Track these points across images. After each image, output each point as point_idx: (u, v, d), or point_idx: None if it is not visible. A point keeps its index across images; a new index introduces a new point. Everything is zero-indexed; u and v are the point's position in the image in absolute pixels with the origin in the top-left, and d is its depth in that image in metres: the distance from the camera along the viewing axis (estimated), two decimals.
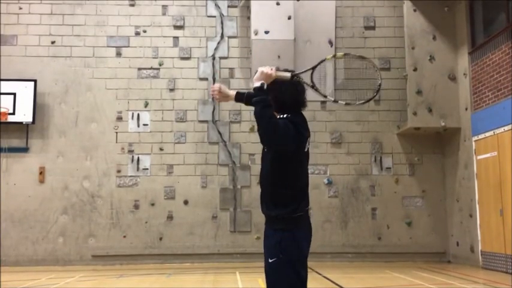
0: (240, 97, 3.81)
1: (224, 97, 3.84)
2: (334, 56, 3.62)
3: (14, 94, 12.00)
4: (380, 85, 3.52)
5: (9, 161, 12.16)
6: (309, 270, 3.47)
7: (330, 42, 12.71)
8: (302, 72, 3.49)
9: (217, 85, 3.82)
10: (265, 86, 3.29)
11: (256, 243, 11.59)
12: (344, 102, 3.64)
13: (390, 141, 12.70)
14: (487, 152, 10.61)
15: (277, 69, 3.43)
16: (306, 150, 3.46)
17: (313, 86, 3.54)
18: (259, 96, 3.25)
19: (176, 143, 12.51)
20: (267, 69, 3.34)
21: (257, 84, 3.30)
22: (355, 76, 4.05)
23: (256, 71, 3.38)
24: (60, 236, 12.03)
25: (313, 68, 3.56)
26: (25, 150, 12.20)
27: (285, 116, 3.40)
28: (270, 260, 3.36)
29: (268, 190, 3.44)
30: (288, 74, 3.40)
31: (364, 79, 3.75)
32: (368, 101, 3.57)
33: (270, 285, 3.41)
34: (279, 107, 3.43)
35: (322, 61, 3.54)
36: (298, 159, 3.40)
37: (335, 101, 3.64)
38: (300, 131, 3.36)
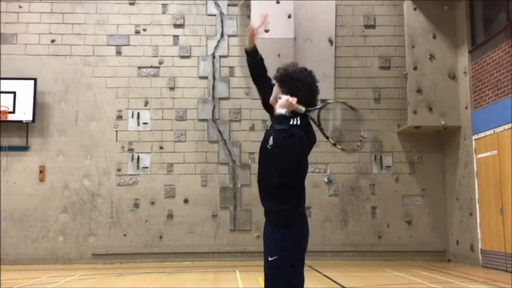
0: (254, 55, 3.81)
1: (251, 38, 3.80)
2: (337, 100, 3.76)
3: (14, 93, 12.00)
4: (363, 137, 3.75)
5: (9, 160, 12.16)
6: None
7: (330, 41, 12.71)
8: (315, 108, 3.51)
9: (256, 25, 3.80)
10: (287, 115, 3.32)
11: (256, 242, 11.60)
12: (340, 148, 3.83)
13: (390, 139, 12.70)
14: (487, 150, 10.61)
15: None
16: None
17: (319, 125, 3.60)
18: (283, 124, 3.27)
19: (176, 141, 12.51)
20: (291, 99, 3.35)
21: (281, 111, 3.31)
22: (346, 125, 4.16)
23: (280, 97, 3.38)
24: (60, 234, 12.04)
25: (321, 108, 3.58)
26: (25, 148, 12.20)
27: (296, 122, 3.40)
28: (270, 259, 3.35)
29: (271, 185, 3.43)
30: (303, 109, 3.43)
31: (351, 130, 3.89)
32: (353, 151, 3.69)
33: (269, 284, 3.40)
34: None
35: (328, 103, 3.61)
36: (305, 166, 3.50)
37: (334, 144, 3.78)
38: (310, 139, 3.46)
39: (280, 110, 3.31)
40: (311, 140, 3.48)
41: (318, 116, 3.55)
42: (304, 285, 3.51)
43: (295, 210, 3.38)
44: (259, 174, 3.57)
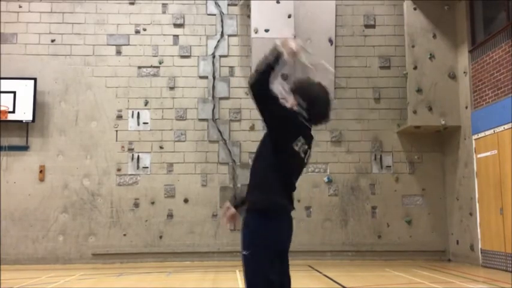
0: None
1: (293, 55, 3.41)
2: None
3: (14, 92, 12.00)
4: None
5: (9, 160, 12.16)
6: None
7: (330, 41, 12.71)
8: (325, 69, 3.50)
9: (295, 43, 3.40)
10: (281, 56, 3.23)
11: None
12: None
13: (390, 139, 12.70)
14: (487, 150, 10.61)
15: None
16: (294, 148, 3.39)
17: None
18: (268, 59, 3.22)
19: (176, 141, 12.51)
20: (297, 47, 3.28)
21: (277, 48, 3.25)
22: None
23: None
24: (60, 234, 12.04)
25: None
26: (25, 148, 12.20)
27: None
28: (244, 253, 3.30)
29: (251, 173, 3.45)
30: (308, 63, 3.37)
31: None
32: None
33: (245, 280, 3.34)
34: (316, 122, 3.53)
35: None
36: (283, 149, 3.36)
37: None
38: (293, 121, 3.37)
39: (276, 44, 3.22)
40: (291, 128, 3.38)
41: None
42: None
43: (269, 203, 3.32)
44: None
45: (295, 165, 3.48)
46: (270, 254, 3.29)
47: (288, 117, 3.36)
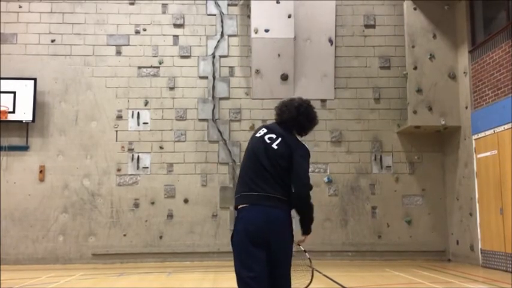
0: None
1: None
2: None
3: (14, 93, 12.00)
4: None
5: (9, 160, 12.16)
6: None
7: (330, 41, 12.71)
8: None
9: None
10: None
11: None
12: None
13: (390, 139, 12.70)
14: (487, 150, 10.61)
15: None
16: (256, 136, 3.89)
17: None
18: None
19: (176, 141, 12.51)
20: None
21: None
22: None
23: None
24: (60, 234, 12.04)
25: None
26: (25, 148, 12.20)
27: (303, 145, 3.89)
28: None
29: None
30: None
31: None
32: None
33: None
34: (299, 129, 3.96)
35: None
36: (247, 148, 3.93)
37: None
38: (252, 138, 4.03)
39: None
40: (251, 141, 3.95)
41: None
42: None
43: (235, 202, 3.82)
44: None
45: (259, 150, 3.77)
46: (237, 251, 3.92)
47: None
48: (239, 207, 3.72)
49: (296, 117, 3.86)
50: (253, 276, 3.51)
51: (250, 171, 3.71)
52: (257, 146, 3.77)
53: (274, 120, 4.02)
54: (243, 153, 13.48)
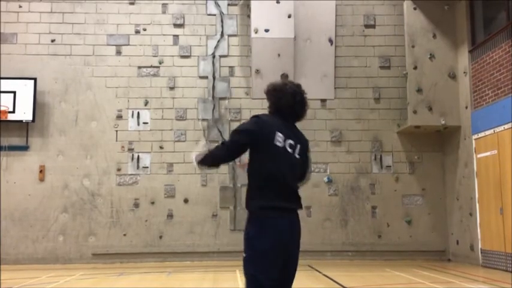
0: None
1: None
2: None
3: (14, 92, 12.00)
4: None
5: (9, 160, 12.16)
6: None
7: (330, 41, 12.71)
8: None
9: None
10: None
11: None
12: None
13: (390, 139, 12.70)
14: (487, 150, 10.61)
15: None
16: (278, 145, 3.52)
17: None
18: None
19: (176, 141, 12.50)
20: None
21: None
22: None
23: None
24: (60, 234, 12.03)
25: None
26: (25, 148, 12.20)
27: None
28: (243, 255, 3.51)
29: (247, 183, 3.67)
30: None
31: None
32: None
33: (244, 279, 3.54)
34: (274, 112, 3.70)
35: None
36: (265, 154, 3.51)
37: None
38: (262, 124, 3.56)
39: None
40: (263, 130, 3.56)
41: None
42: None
43: (258, 209, 3.47)
44: None
45: (284, 161, 3.54)
46: (260, 258, 3.40)
47: (250, 130, 3.57)
48: (269, 215, 3.47)
49: (293, 105, 3.67)
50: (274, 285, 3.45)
51: (279, 182, 3.52)
52: (283, 157, 3.54)
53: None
54: (242, 154, 13.49)
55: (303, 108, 3.73)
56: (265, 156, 3.50)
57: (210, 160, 3.61)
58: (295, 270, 3.60)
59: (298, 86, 3.76)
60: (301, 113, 3.74)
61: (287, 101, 3.66)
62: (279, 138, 3.52)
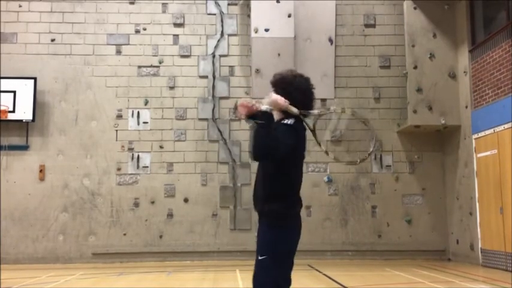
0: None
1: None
2: (343, 110, 3.84)
3: (14, 92, 12.00)
4: (370, 154, 3.87)
5: (9, 159, 12.16)
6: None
7: (330, 40, 12.71)
8: (310, 113, 3.57)
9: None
10: (270, 111, 3.35)
11: None
12: (333, 158, 3.95)
13: (390, 139, 12.70)
14: (487, 150, 10.61)
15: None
16: (303, 154, 3.61)
17: (313, 131, 3.70)
18: (263, 121, 3.26)
19: (176, 140, 12.51)
20: (281, 100, 3.43)
21: (264, 107, 3.34)
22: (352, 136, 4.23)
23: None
24: (60, 234, 12.04)
25: (321, 115, 3.67)
26: (25, 148, 12.20)
27: (289, 122, 3.45)
28: (259, 258, 3.42)
29: (262, 186, 3.51)
30: (296, 110, 3.47)
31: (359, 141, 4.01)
32: (352, 163, 3.82)
33: (256, 282, 3.45)
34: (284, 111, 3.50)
35: (331, 111, 3.77)
36: (296, 166, 3.53)
37: (326, 152, 3.91)
38: (299, 137, 3.48)
39: (263, 106, 3.34)
40: (300, 143, 3.49)
41: (314, 123, 3.65)
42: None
43: (284, 210, 3.45)
44: (256, 176, 3.65)
45: (301, 168, 3.65)
46: (282, 261, 3.44)
47: (294, 144, 3.42)
48: (296, 210, 3.55)
49: (303, 102, 3.53)
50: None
51: (298, 179, 3.57)
52: (301, 164, 3.60)
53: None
54: (243, 153, 13.54)
55: (311, 105, 3.59)
56: (294, 168, 3.52)
57: (261, 141, 3.23)
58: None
59: (307, 80, 3.60)
60: (311, 109, 3.61)
61: (298, 96, 3.51)
62: (303, 150, 3.59)
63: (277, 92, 3.51)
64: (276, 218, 3.44)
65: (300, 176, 3.56)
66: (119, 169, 12.34)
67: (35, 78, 12.20)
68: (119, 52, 12.71)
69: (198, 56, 12.82)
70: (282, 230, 3.44)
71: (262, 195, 3.51)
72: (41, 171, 12.19)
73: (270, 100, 3.40)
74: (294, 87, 3.52)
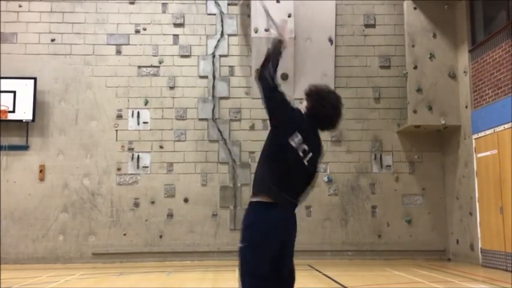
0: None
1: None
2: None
3: (14, 92, 12.00)
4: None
5: (9, 159, 12.16)
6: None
7: (330, 40, 12.70)
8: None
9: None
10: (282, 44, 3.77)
11: None
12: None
13: (390, 139, 12.70)
14: (487, 150, 10.61)
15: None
16: (291, 143, 3.46)
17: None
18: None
19: (176, 141, 12.51)
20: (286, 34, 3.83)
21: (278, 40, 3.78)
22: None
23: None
24: (60, 233, 12.04)
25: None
26: (25, 148, 12.20)
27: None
28: (239, 245, 3.43)
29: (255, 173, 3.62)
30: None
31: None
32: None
33: (239, 272, 3.45)
34: (310, 114, 3.63)
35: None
36: (280, 144, 3.48)
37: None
38: (290, 113, 3.57)
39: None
40: (290, 116, 3.57)
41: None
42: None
43: (263, 198, 3.41)
44: None
45: (294, 163, 3.48)
46: (255, 250, 3.35)
47: (287, 110, 3.56)
48: (268, 201, 3.42)
49: (329, 118, 3.63)
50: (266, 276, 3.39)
51: (287, 175, 3.48)
52: (293, 158, 3.49)
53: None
54: (243, 153, 13.52)
55: (337, 123, 3.70)
56: (279, 148, 3.48)
57: (265, 73, 3.71)
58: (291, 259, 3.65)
59: (339, 99, 3.68)
60: (334, 126, 3.72)
61: (328, 111, 3.62)
62: (296, 139, 3.48)
63: (309, 102, 3.64)
64: (250, 204, 3.49)
65: (287, 168, 3.45)
66: (119, 169, 12.34)
67: (35, 78, 12.20)
68: (119, 52, 12.71)
69: (198, 56, 12.82)
70: (254, 216, 3.43)
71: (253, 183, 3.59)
72: (41, 171, 12.20)
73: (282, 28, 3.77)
74: (327, 101, 3.61)
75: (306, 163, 3.51)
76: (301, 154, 3.48)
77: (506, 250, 9.82)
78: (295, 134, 3.47)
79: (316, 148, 3.60)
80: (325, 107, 3.58)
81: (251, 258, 3.36)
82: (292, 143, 3.45)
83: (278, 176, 3.43)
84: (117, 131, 12.48)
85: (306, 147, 3.50)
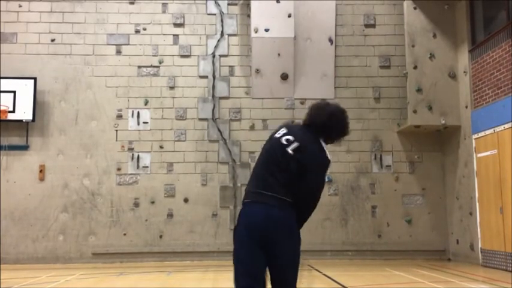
0: None
1: None
2: None
3: (14, 92, 12.00)
4: None
5: (9, 159, 12.16)
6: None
7: (330, 40, 12.70)
8: None
9: None
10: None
11: None
12: None
13: (390, 139, 12.70)
14: (487, 150, 10.61)
15: None
16: (275, 135, 3.63)
17: None
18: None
19: (176, 141, 12.51)
20: None
21: None
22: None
23: None
24: (60, 233, 12.04)
25: None
26: (25, 148, 12.20)
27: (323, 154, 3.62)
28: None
29: None
30: None
31: None
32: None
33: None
34: (325, 138, 3.67)
35: None
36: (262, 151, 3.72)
37: None
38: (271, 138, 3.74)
39: None
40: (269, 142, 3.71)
41: None
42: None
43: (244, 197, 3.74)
44: None
45: (273, 148, 3.59)
46: (236, 242, 3.87)
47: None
48: (244, 201, 3.73)
49: (325, 125, 3.61)
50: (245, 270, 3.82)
51: (263, 170, 3.57)
52: (273, 147, 3.56)
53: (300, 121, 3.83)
54: (243, 153, 13.53)
55: (336, 130, 3.67)
56: (257, 162, 3.72)
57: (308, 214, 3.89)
58: (285, 263, 3.95)
59: (340, 111, 3.70)
60: (334, 135, 3.67)
61: (321, 118, 3.63)
62: (281, 131, 3.62)
63: (307, 113, 3.72)
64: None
65: (258, 168, 3.65)
66: (119, 169, 12.34)
67: (35, 78, 12.20)
68: (119, 52, 12.71)
69: (198, 56, 12.82)
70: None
71: None
72: (41, 171, 12.20)
73: None
74: (324, 110, 3.67)
75: (291, 151, 3.49)
76: (284, 142, 3.54)
77: (506, 250, 9.82)
78: (280, 129, 3.65)
79: (307, 141, 3.56)
80: (315, 116, 3.64)
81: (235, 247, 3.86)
82: (276, 135, 3.62)
83: (254, 173, 3.67)
84: (117, 131, 12.48)
85: (290, 137, 3.54)
